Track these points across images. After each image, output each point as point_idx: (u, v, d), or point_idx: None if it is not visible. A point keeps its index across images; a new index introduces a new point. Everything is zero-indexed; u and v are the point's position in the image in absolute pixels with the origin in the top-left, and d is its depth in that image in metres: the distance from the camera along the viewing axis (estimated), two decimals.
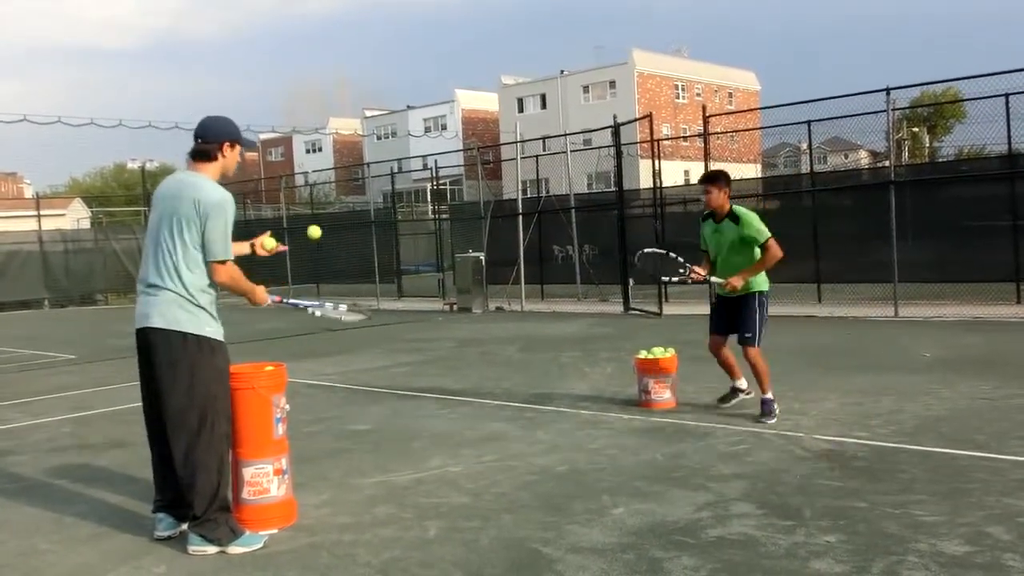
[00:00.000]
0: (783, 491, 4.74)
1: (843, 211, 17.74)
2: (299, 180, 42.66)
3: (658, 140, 17.30)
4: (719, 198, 6.67)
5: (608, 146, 18.19)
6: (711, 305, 7.30)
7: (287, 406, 4.54)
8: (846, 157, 43.44)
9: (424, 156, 32.74)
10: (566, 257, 20.77)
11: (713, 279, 6.75)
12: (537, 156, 23.26)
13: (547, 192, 22.48)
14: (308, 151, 70.57)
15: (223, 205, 4.21)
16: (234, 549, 4.17)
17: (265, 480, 4.40)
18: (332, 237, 25.01)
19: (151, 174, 36.08)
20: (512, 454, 5.87)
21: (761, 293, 6.67)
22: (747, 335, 6.64)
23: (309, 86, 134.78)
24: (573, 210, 20.07)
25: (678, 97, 56.69)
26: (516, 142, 21.53)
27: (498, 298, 18.91)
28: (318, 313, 5.11)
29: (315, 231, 5.93)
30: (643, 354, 7.31)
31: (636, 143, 19.99)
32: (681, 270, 6.84)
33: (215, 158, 4.36)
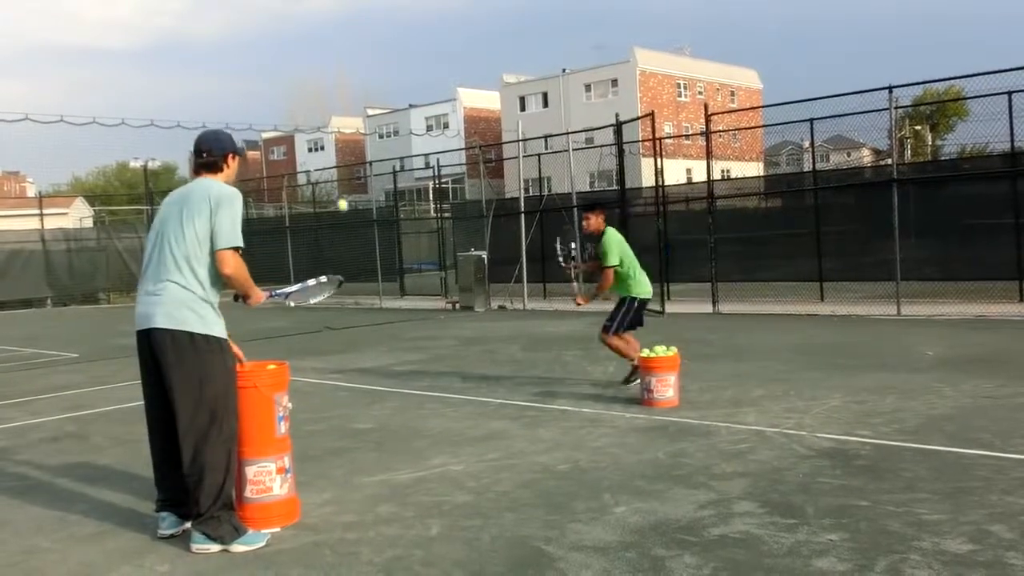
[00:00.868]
0: (785, 489, 4.73)
1: (845, 209, 17.73)
2: (301, 179, 42.69)
3: (660, 138, 17.28)
4: (596, 223, 8.29)
5: (610, 144, 18.18)
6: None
7: (290, 404, 4.54)
8: (848, 155, 43.42)
9: (426, 155, 32.71)
10: (568, 256, 20.74)
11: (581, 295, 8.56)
12: (539, 155, 23.24)
13: (549, 191, 22.44)
14: (310, 150, 70.61)
15: (234, 197, 4.31)
16: (237, 547, 4.17)
17: (268, 479, 4.40)
18: (333, 236, 25.04)
19: (153, 173, 36.07)
20: (514, 452, 5.87)
21: (632, 299, 8.13)
22: (607, 323, 8.09)
23: (311, 85, 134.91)
24: (575, 208, 20.05)
25: (680, 95, 56.67)
26: (518, 140, 21.53)
27: (500, 297, 18.91)
28: (312, 300, 5.10)
29: (343, 204, 6.44)
30: (646, 352, 7.31)
31: (638, 141, 19.96)
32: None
33: (221, 169, 4.46)
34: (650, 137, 16.87)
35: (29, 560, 4.22)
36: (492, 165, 36.89)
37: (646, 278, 8.37)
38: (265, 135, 66.83)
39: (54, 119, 26.67)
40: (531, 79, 59.23)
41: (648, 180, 18.62)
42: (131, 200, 40.46)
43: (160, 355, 4.22)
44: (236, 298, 4.60)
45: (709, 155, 15.62)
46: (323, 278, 5.02)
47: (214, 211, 4.21)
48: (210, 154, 4.44)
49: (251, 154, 75.57)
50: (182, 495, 4.29)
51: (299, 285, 5.03)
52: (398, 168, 27.69)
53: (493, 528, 4.34)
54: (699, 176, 23.98)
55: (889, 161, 17.82)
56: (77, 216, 35.74)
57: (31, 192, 60.47)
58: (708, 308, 15.09)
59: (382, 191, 36.20)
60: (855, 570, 3.59)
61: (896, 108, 14.49)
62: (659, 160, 16.62)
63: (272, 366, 4.54)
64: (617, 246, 8.20)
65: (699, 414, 6.79)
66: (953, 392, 7.19)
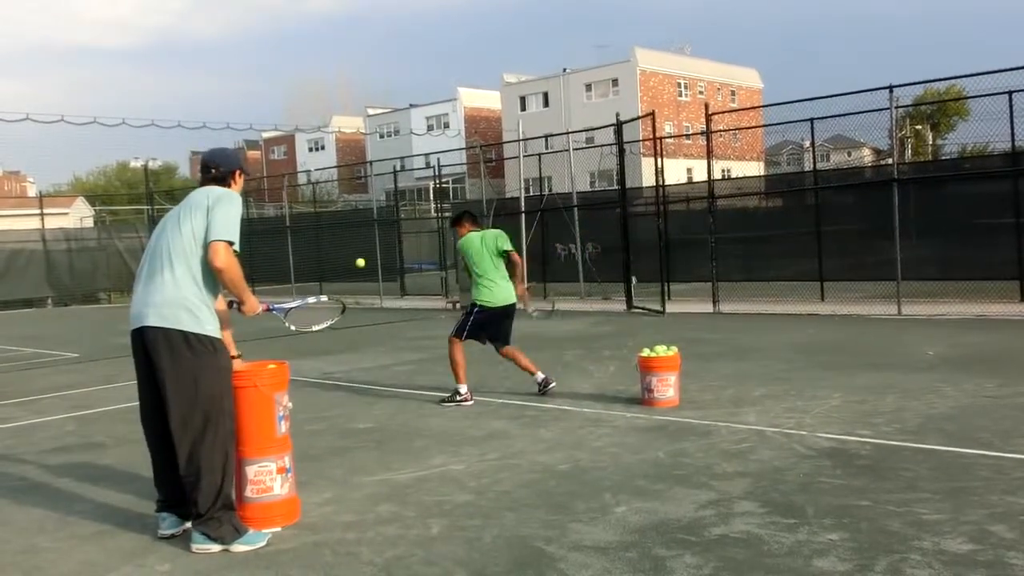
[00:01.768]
0: (786, 489, 4.73)
1: (846, 209, 17.72)
2: (302, 179, 42.69)
3: (661, 138, 17.27)
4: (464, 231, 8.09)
5: (611, 144, 18.16)
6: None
7: (290, 404, 4.54)
8: (849, 155, 43.42)
9: (427, 154, 32.68)
10: (569, 255, 20.76)
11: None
12: (540, 154, 23.24)
13: (550, 190, 22.44)
14: (311, 149, 70.62)
15: (233, 196, 4.36)
16: (237, 547, 4.17)
17: (268, 478, 4.41)
18: (334, 235, 25.04)
19: (154, 173, 36.09)
20: (515, 452, 5.87)
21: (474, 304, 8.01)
22: (453, 329, 8.03)
23: (311, 85, 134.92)
24: (576, 208, 20.06)
25: (680, 95, 56.65)
26: (519, 140, 21.54)
27: None
28: (314, 328, 5.15)
29: (361, 262, 6.55)
30: (646, 352, 7.31)
31: (639, 141, 19.94)
32: None
33: (229, 185, 4.51)
34: (651, 137, 16.86)
35: (30, 559, 4.23)
36: (492, 165, 36.91)
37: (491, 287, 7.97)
38: (265, 135, 66.82)
39: (55, 119, 26.71)
40: (532, 79, 59.21)
41: (649, 180, 18.60)
42: (132, 200, 40.49)
43: (153, 354, 4.22)
44: (231, 304, 4.59)
45: (710, 155, 15.62)
46: (323, 297, 5.07)
47: (211, 207, 4.23)
48: (218, 171, 4.51)
49: (252, 154, 75.58)
50: (181, 495, 4.29)
51: (299, 301, 5.06)
52: (399, 168, 27.68)
53: (494, 528, 4.34)
54: (700, 176, 23.99)
55: (890, 161, 17.83)
56: (78, 216, 35.74)
57: (32, 192, 60.43)
58: (709, 308, 15.09)
59: (383, 191, 36.22)
60: (856, 570, 3.59)
61: (897, 107, 14.50)
62: (659, 160, 16.61)
63: (272, 366, 4.54)
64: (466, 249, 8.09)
65: (700, 414, 6.79)
66: (954, 392, 7.19)
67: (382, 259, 21.45)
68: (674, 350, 7.32)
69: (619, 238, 17.18)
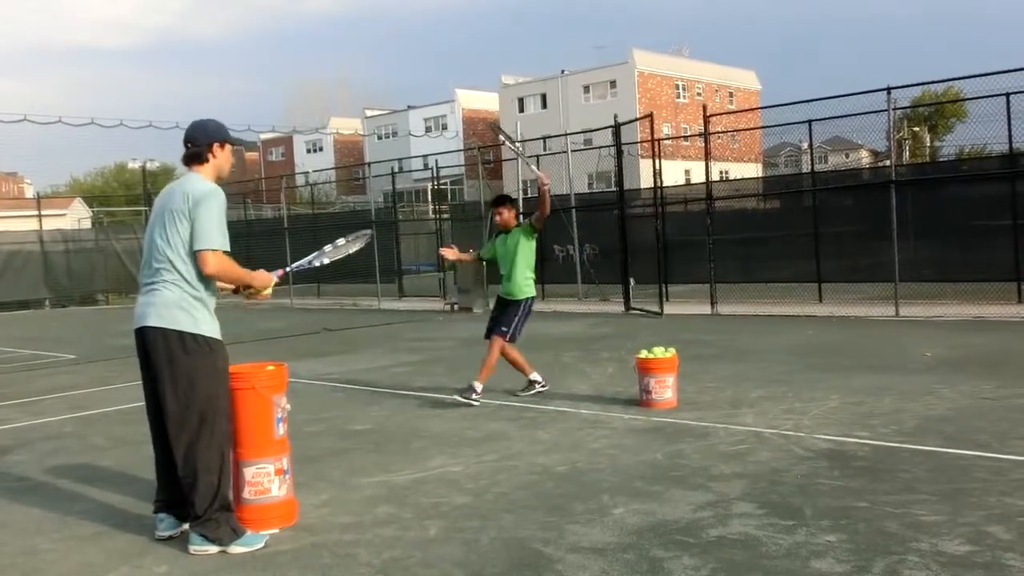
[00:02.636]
0: (784, 491, 4.74)
1: (844, 211, 17.74)
2: (300, 180, 42.68)
3: (659, 140, 17.29)
4: (510, 217, 8.03)
5: (609, 146, 18.18)
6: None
7: (288, 406, 4.54)
8: (847, 157, 43.48)
9: (425, 156, 32.75)
10: (567, 257, 20.77)
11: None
12: (538, 156, 23.21)
13: None
14: (309, 151, 70.60)
15: (211, 196, 4.23)
16: (235, 549, 4.17)
17: (266, 480, 4.40)
18: (332, 237, 24.97)
19: (152, 174, 36.08)
20: (513, 454, 5.87)
21: (529, 299, 7.96)
22: (503, 328, 7.74)
23: (310, 86, 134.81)
24: (574, 210, 20.07)
25: (679, 97, 56.69)
26: (517, 141, 21.49)
27: None
28: (326, 260, 5.13)
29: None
30: (644, 354, 7.31)
31: (637, 143, 19.97)
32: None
33: (206, 160, 4.41)
34: (649, 138, 16.88)
35: (29, 560, 4.22)
36: (490, 166, 36.89)
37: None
38: (264, 136, 66.77)
39: (52, 120, 26.71)
40: (530, 80, 59.24)
41: (647, 181, 18.63)
42: (129, 201, 40.50)
43: (152, 354, 4.23)
44: (236, 291, 4.59)
45: (708, 156, 15.62)
46: (340, 241, 5.07)
47: (192, 212, 4.19)
48: (194, 144, 4.39)
49: (249, 155, 75.58)
50: (181, 496, 4.29)
51: (315, 255, 5.06)
52: (397, 169, 27.68)
53: (491, 529, 4.34)
54: (698, 177, 24.00)
55: (888, 162, 17.85)
56: (75, 217, 35.73)
57: (29, 193, 60.44)
58: (707, 309, 15.10)
59: (381, 192, 36.18)
60: (853, 571, 3.59)
61: (894, 109, 14.49)
62: (658, 161, 16.63)
63: (270, 367, 4.54)
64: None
65: (697, 415, 6.79)
66: (951, 393, 7.19)
67: (380, 261, 21.45)
68: (672, 352, 7.32)
69: (617, 240, 17.19)
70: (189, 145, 4.40)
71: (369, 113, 68.85)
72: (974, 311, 12.66)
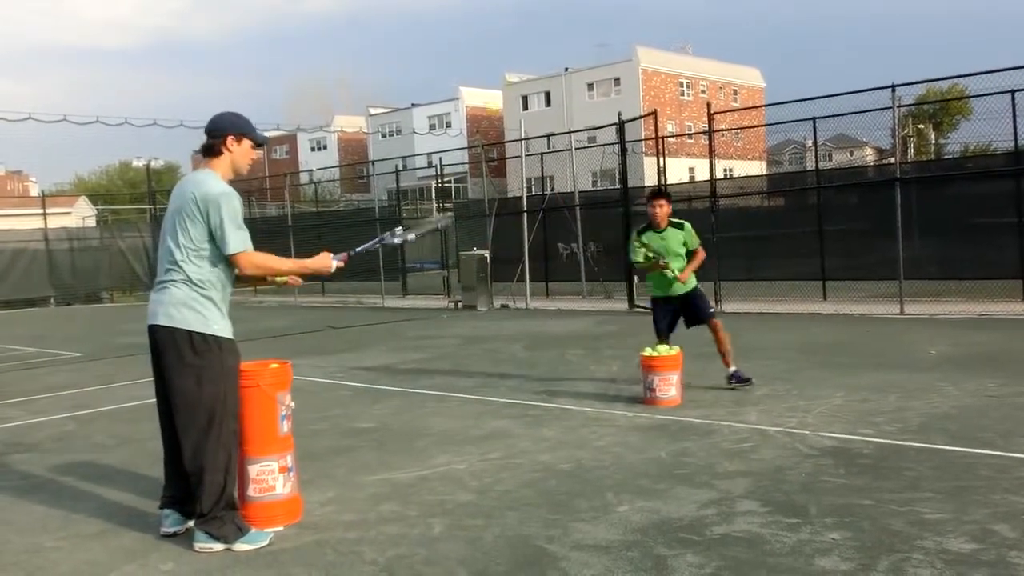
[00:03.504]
0: (788, 488, 4.73)
1: (848, 208, 17.71)
2: (304, 178, 42.71)
3: (663, 137, 17.29)
4: (667, 211, 8.30)
5: (613, 143, 18.16)
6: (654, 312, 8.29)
7: (292, 403, 4.54)
8: (851, 154, 43.36)
9: (429, 154, 32.69)
10: (571, 255, 20.77)
11: (669, 271, 7.93)
12: (542, 154, 23.25)
13: (552, 189, 22.45)
14: (313, 149, 70.67)
15: (222, 197, 4.19)
16: (240, 546, 4.18)
17: (271, 478, 4.41)
18: (336, 235, 25.02)
19: (156, 172, 36.12)
20: (517, 451, 5.87)
21: (699, 287, 8.15)
22: (711, 310, 8.10)
23: (313, 85, 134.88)
24: (578, 207, 20.06)
25: (683, 94, 56.66)
26: (521, 139, 21.53)
27: (503, 296, 18.91)
28: (397, 240, 4.83)
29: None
30: (648, 351, 7.31)
31: (641, 140, 19.96)
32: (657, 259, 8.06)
33: (220, 152, 4.36)
34: (653, 136, 16.88)
35: (33, 559, 4.23)
36: (494, 164, 36.90)
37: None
38: (268, 134, 66.78)
39: (57, 118, 26.78)
40: (534, 78, 59.24)
41: (651, 179, 18.61)
42: (134, 199, 40.51)
43: (162, 352, 4.24)
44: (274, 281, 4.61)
45: (712, 154, 15.61)
46: (398, 230, 4.81)
47: (206, 216, 4.17)
48: (210, 136, 4.36)
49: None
50: (188, 493, 4.29)
51: (375, 240, 4.82)
52: (400, 167, 27.67)
53: (496, 527, 4.34)
54: (702, 175, 23.99)
55: (892, 160, 17.80)
56: (80, 215, 35.76)
57: (34, 191, 60.50)
58: (711, 307, 15.06)
59: (384, 190, 36.20)
60: (858, 569, 3.59)
61: (899, 107, 14.46)
62: (662, 159, 16.61)
63: (275, 365, 4.54)
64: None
65: (702, 413, 6.79)
66: (956, 391, 7.18)
67: (384, 258, 21.46)
68: (676, 349, 7.32)
69: (621, 237, 17.16)
70: (207, 138, 4.38)
71: (373, 111, 68.90)
72: (979, 309, 12.64)
